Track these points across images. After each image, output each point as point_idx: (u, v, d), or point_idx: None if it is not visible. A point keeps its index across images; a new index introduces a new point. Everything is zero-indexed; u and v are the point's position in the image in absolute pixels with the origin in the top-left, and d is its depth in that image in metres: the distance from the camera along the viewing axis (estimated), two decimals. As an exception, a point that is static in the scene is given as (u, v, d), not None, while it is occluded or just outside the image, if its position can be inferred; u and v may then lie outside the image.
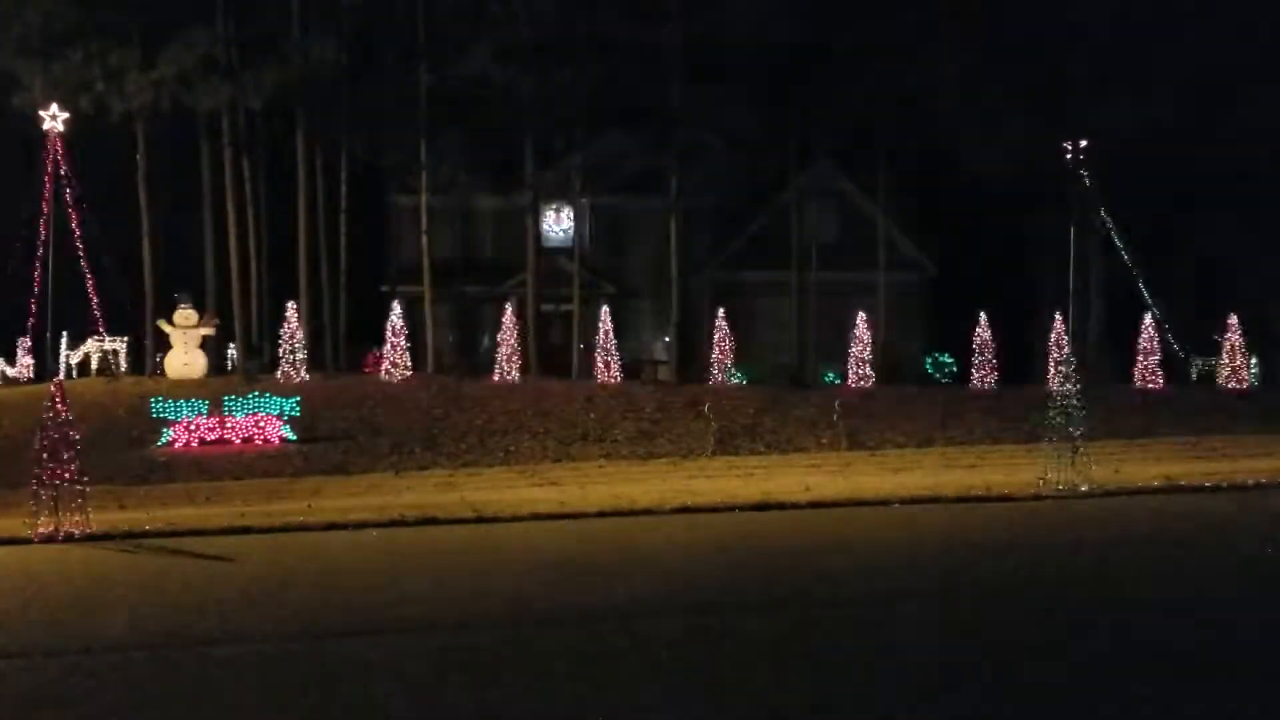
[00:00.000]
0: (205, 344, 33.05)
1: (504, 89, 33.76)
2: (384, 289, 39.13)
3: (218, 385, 29.62)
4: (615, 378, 34.53)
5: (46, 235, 33.33)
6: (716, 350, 36.68)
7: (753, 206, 40.09)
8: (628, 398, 29.48)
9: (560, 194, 39.10)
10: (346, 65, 35.18)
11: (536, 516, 17.07)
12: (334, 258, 36.18)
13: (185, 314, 32.62)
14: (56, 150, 33.04)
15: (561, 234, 39.72)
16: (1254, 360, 34.26)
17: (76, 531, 15.81)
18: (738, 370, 36.40)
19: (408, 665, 9.09)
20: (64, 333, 34.39)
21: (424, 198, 35.37)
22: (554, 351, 38.33)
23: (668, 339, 36.81)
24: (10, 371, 35.09)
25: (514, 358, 34.90)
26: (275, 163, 37.19)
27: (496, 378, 33.79)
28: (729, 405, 27.57)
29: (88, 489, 16.40)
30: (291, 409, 25.25)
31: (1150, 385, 33.46)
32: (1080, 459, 19.00)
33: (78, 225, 33.23)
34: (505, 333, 34.76)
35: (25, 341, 35.37)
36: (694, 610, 10.89)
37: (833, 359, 38.12)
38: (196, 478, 21.73)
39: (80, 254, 33.42)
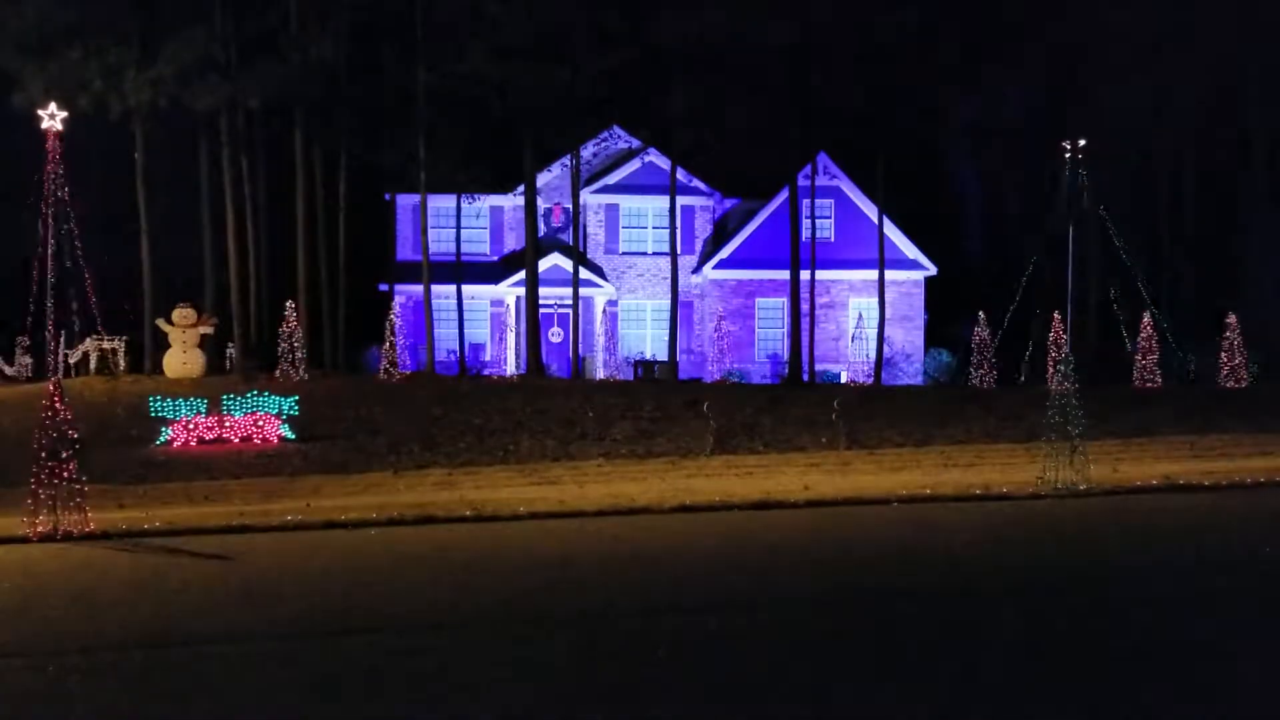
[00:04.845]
0: (204, 343, 33.03)
1: (502, 87, 33.76)
2: (383, 287, 39.17)
3: (216, 384, 29.61)
4: (614, 376, 34.56)
5: (45, 234, 33.30)
6: (715, 349, 36.73)
7: (752, 205, 40.12)
8: (626, 397, 29.47)
9: (559, 192, 39.13)
10: (345, 63, 35.18)
11: (535, 515, 17.06)
12: (333, 256, 36.20)
13: (184, 313, 32.61)
14: (55, 149, 33.01)
15: (560, 232, 39.73)
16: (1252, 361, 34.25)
17: (75, 530, 15.79)
18: (736, 369, 36.45)
19: (406, 664, 9.09)
20: (62, 331, 34.38)
21: (423, 196, 35.37)
22: (552, 350, 38.38)
23: (666, 338, 36.84)
24: (9, 370, 35.08)
25: (512, 356, 34.96)
26: (274, 161, 37.20)
27: (495, 376, 33.81)
28: (728, 404, 27.56)
29: (86, 488, 16.38)
30: (290, 408, 25.24)
31: (1149, 384, 33.48)
32: (1078, 458, 18.99)
33: (76, 225, 33.21)
34: (504, 331, 34.82)
35: (24, 340, 35.37)
36: (693, 609, 10.90)
37: (832, 358, 38.18)
38: (195, 477, 21.71)
39: (79, 253, 33.39)
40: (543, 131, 35.52)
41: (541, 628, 10.24)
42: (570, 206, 37.65)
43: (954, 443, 24.95)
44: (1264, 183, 41.57)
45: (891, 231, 38.16)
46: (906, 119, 38.54)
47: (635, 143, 39.60)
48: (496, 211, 40.15)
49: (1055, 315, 33.81)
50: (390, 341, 33.13)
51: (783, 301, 38.23)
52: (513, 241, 39.84)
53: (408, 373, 33.50)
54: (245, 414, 25.01)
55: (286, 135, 35.72)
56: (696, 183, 39.40)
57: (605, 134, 39.21)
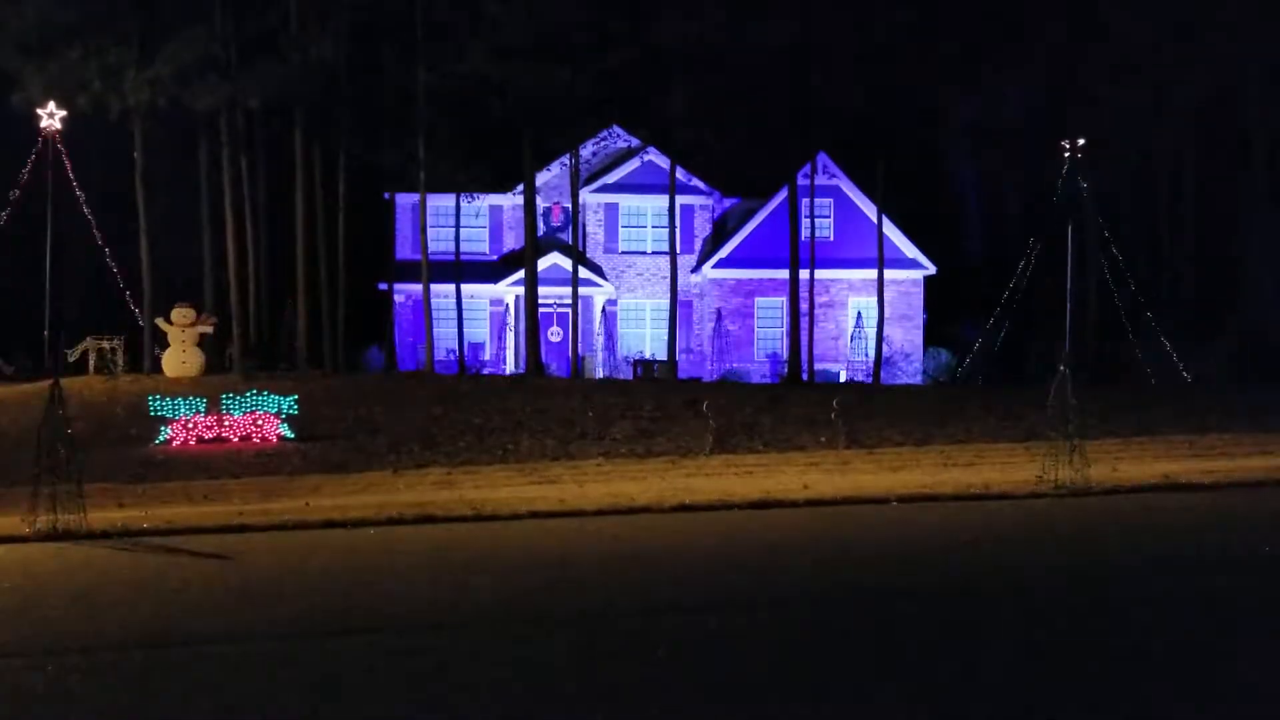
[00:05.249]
0: (203, 342, 33.04)
1: (502, 87, 33.77)
2: (383, 287, 39.18)
3: (216, 383, 29.60)
4: (613, 376, 34.56)
5: (45, 233, 33.31)
6: (715, 348, 36.75)
7: (751, 204, 40.15)
8: (626, 396, 29.46)
9: (559, 191, 39.13)
10: (345, 63, 35.18)
11: (535, 515, 17.05)
12: (332, 256, 36.20)
13: (183, 312, 32.60)
14: (54, 149, 33.01)
15: (560, 232, 39.74)
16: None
17: (75, 530, 15.78)
18: (736, 369, 36.46)
19: (406, 664, 9.08)
20: (62, 331, 34.38)
21: (423, 195, 35.37)
22: (552, 350, 38.38)
23: (666, 337, 36.83)
24: (8, 370, 35.08)
25: (512, 355, 34.95)
26: (274, 161, 37.19)
27: (495, 376, 33.81)
28: (727, 404, 27.55)
29: (85, 487, 16.37)
30: (289, 407, 25.23)
31: (1149, 383, 33.49)
32: (1078, 457, 18.98)
33: (76, 224, 33.22)
34: (503, 330, 34.81)
35: (24, 340, 35.39)
36: (693, 609, 10.89)
37: (831, 357, 38.19)
38: (194, 476, 21.69)
39: (79, 251, 33.41)
40: (542, 131, 35.53)
41: (541, 628, 10.23)
42: (569, 206, 37.64)
43: (953, 442, 24.93)
44: (1264, 183, 41.56)
45: (891, 231, 38.17)
46: (906, 119, 38.55)
47: (635, 142, 39.61)
48: (496, 211, 40.15)
49: (1055, 315, 33.88)
50: (390, 341, 33.10)
51: (782, 301, 38.24)
52: (512, 241, 39.84)
53: (407, 372, 33.52)
54: (244, 413, 25.00)
55: (286, 135, 35.71)
56: (696, 182, 39.42)
57: (605, 133, 39.22)
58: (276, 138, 36.48)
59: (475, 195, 37.86)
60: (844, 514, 16.97)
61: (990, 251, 46.02)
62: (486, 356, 38.23)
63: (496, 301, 39.32)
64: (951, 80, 38.49)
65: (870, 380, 35.36)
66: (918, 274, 39.30)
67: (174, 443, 24.43)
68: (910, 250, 39.02)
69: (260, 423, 24.96)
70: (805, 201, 37.07)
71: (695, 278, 39.78)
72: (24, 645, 9.83)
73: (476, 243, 39.88)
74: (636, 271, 40.28)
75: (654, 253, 39.72)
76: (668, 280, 36.69)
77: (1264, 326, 37.54)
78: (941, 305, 40.41)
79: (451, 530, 16.05)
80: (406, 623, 10.49)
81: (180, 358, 32.38)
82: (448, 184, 35.89)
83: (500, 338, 38.17)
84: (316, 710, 7.98)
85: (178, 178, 37.18)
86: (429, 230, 36.14)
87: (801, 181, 36.86)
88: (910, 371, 38.09)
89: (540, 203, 38.19)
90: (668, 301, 36.74)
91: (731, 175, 39.92)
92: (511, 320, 38.79)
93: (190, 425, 24.65)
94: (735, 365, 36.93)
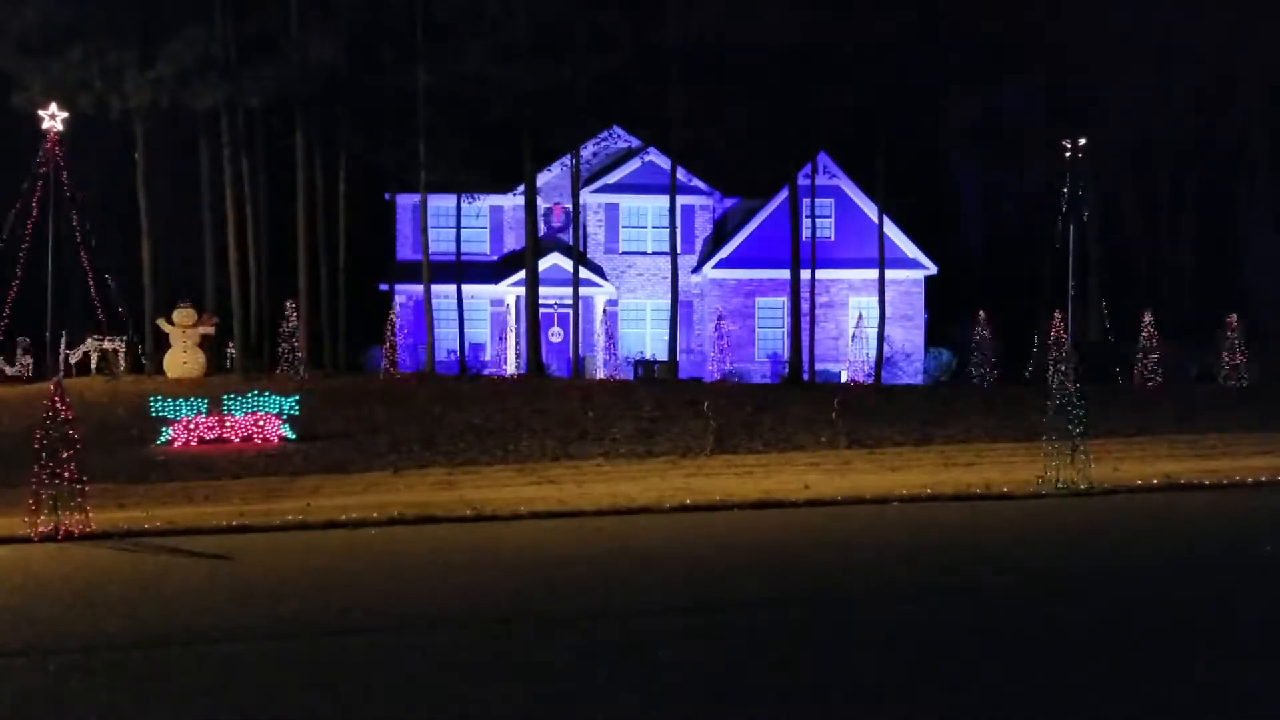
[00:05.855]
0: (204, 343, 33.05)
1: (502, 87, 33.76)
2: (383, 287, 39.20)
3: (217, 384, 29.63)
4: (614, 376, 34.56)
5: (46, 234, 33.30)
6: (715, 348, 36.75)
7: (752, 204, 40.15)
8: (626, 396, 29.47)
9: (559, 191, 39.13)
10: (345, 63, 35.19)
11: (535, 515, 17.08)
12: (333, 256, 36.20)
13: (184, 313, 32.62)
14: (56, 149, 33.01)
15: (560, 232, 39.74)
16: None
17: (76, 530, 15.80)
18: (736, 369, 36.47)
19: (406, 664, 9.10)
20: (63, 332, 34.39)
21: (423, 196, 35.38)
22: (552, 350, 38.39)
23: (666, 337, 36.83)
24: (10, 370, 35.09)
25: (512, 356, 34.91)
26: (274, 161, 37.19)
27: (495, 376, 33.81)
28: (728, 404, 27.55)
29: (87, 488, 16.39)
30: (290, 408, 25.24)
31: (1149, 383, 33.48)
32: (1079, 457, 18.99)
33: (77, 224, 33.22)
34: (504, 331, 34.76)
35: (24, 340, 35.39)
36: (693, 609, 10.90)
37: (832, 357, 38.19)
38: (195, 476, 21.71)
39: (80, 253, 33.40)
40: (543, 131, 35.51)
41: (541, 628, 10.24)
42: (570, 206, 37.64)
43: (954, 442, 24.93)
44: (1264, 183, 41.61)
45: (891, 231, 38.15)
46: (906, 119, 38.53)
47: (635, 142, 39.61)
48: (496, 211, 40.14)
49: (1055, 314, 33.84)
50: (390, 341, 33.11)
51: (782, 301, 38.24)
52: (513, 241, 39.84)
53: (408, 372, 33.50)
54: (246, 414, 25.01)
55: (287, 135, 35.71)
56: (696, 182, 39.41)
57: (605, 134, 39.23)
58: (276, 138, 36.49)
59: (476, 195, 37.84)
60: (844, 514, 16.99)
61: (990, 251, 46.06)
62: (487, 357, 38.22)
63: (497, 302, 39.32)
64: (952, 80, 38.50)
65: (871, 380, 35.36)
66: (918, 274, 39.27)
67: (175, 443, 24.45)
68: (911, 250, 38.99)
69: (261, 423, 24.97)
70: (805, 201, 37.05)
71: (696, 278, 39.77)
72: (25, 645, 9.85)
73: (477, 243, 39.86)
74: (637, 272, 40.27)
75: (654, 253, 39.72)
76: (668, 280, 36.68)
77: (1264, 326, 37.53)
78: (942, 305, 40.40)
79: (452, 530, 16.07)
80: (407, 623, 10.50)
81: (182, 358, 32.39)
82: (448, 184, 35.86)
83: (501, 338, 38.14)
84: (316, 710, 7.99)
85: (178, 178, 37.17)
86: (430, 230, 36.14)
87: (802, 181, 36.84)
88: (911, 371, 38.09)
89: (541, 203, 38.18)
90: (668, 302, 36.72)
91: (731, 175, 39.90)
92: (512, 320, 38.79)
93: (191, 426, 24.66)
94: (736, 365, 36.92)
